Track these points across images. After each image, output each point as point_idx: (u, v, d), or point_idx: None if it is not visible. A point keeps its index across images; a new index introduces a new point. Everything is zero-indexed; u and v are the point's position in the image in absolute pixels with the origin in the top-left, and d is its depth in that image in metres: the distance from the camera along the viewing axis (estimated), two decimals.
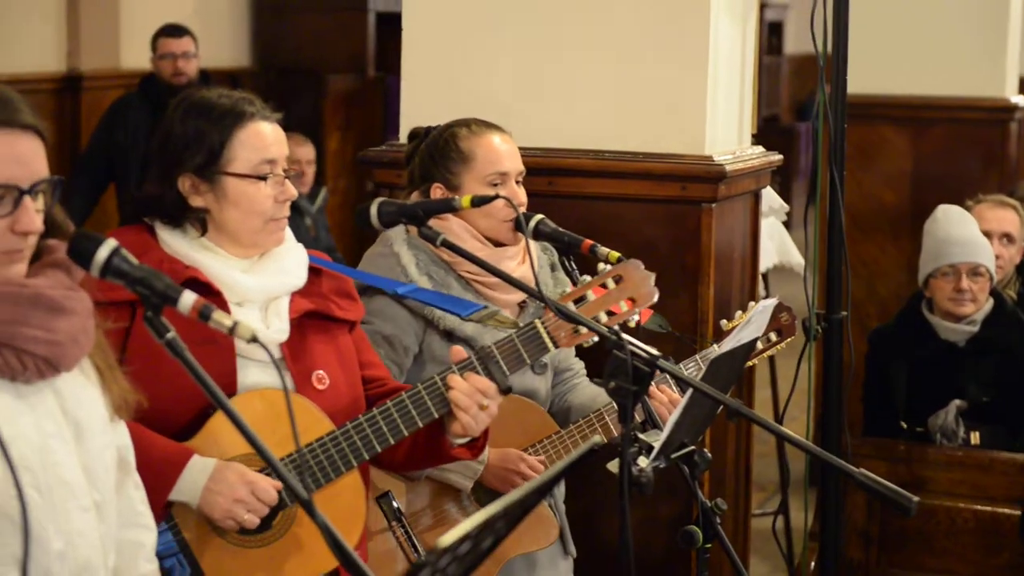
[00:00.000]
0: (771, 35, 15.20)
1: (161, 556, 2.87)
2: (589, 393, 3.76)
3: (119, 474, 2.47)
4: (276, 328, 2.98)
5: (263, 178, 2.98)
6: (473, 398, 3.00)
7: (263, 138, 3.00)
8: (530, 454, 3.59)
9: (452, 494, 3.56)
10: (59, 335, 2.27)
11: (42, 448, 2.28)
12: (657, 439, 2.99)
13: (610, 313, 3.11)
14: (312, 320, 3.05)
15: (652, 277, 3.14)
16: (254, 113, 3.00)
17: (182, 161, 2.98)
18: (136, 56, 8.45)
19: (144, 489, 2.55)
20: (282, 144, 3.03)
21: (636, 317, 3.16)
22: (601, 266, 3.20)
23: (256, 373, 2.96)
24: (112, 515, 2.42)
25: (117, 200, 7.64)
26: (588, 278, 3.16)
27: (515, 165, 3.61)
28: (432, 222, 3.28)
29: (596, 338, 3.14)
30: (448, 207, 3.27)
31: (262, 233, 3.00)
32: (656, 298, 3.14)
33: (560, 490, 3.78)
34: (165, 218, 3.01)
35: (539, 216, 3.50)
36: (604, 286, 3.14)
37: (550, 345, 3.09)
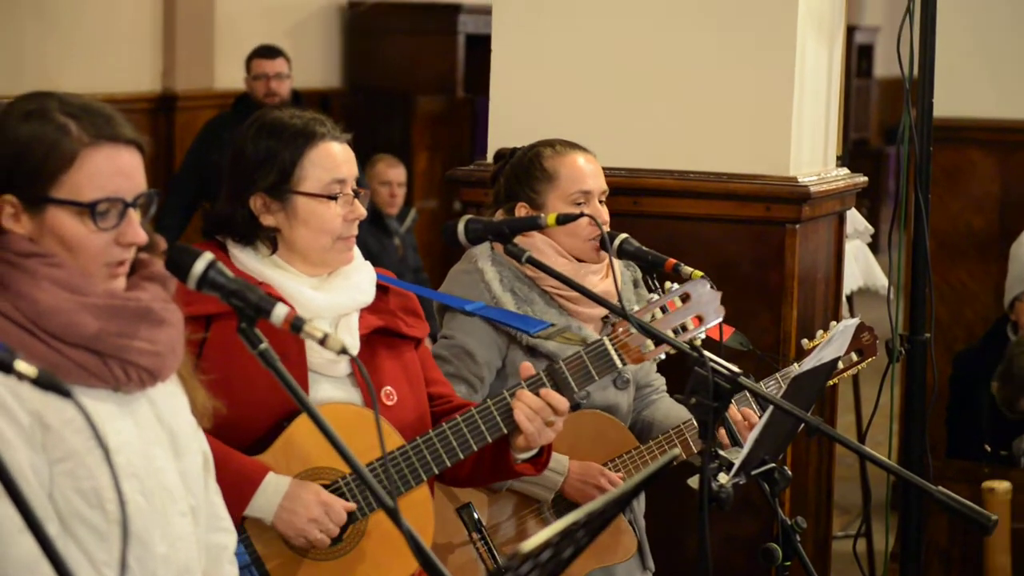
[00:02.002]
0: (861, 58, 15.12)
1: None
2: (668, 409, 3.79)
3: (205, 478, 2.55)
4: (347, 344, 3.02)
5: (333, 197, 3.02)
6: (541, 413, 3.03)
7: (333, 158, 3.03)
8: (610, 468, 3.62)
9: (532, 506, 3.60)
10: (160, 346, 2.34)
11: (145, 455, 2.35)
12: (737, 456, 3.01)
13: (682, 329, 3.15)
14: (380, 337, 3.09)
15: (719, 296, 3.17)
16: (324, 133, 3.03)
17: (254, 180, 3.02)
18: (230, 76, 8.58)
19: (222, 495, 2.62)
20: (351, 164, 3.06)
21: (702, 335, 3.18)
22: (668, 284, 3.23)
23: (328, 388, 3.01)
24: (203, 519, 2.50)
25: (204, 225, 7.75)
26: (655, 296, 3.19)
27: (598, 184, 3.66)
28: (517, 240, 3.33)
29: (663, 355, 3.18)
30: (534, 225, 3.32)
31: (331, 251, 3.04)
32: (722, 316, 3.17)
33: (640, 505, 3.80)
34: (237, 236, 3.05)
35: (623, 235, 3.54)
36: (672, 304, 3.17)
37: (618, 362, 3.12)
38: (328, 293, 3.04)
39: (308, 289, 3.03)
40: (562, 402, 3.05)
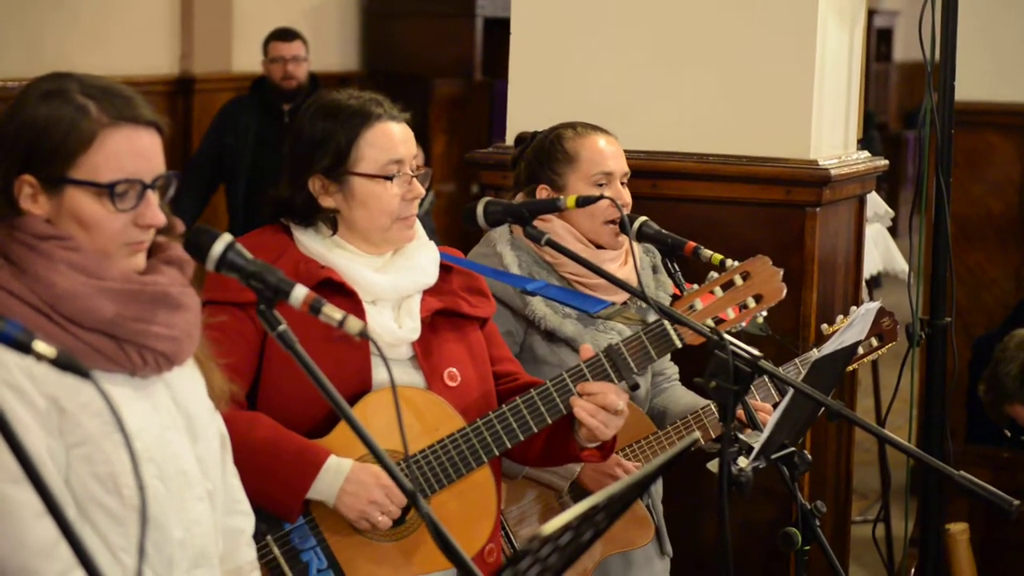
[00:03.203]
0: (880, 42, 15.07)
1: (298, 549, 2.94)
2: (681, 397, 3.78)
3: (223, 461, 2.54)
4: (408, 327, 3.02)
5: (389, 178, 3.02)
6: (596, 416, 3.03)
7: (390, 138, 3.03)
8: (627, 454, 3.61)
9: (548, 493, 3.59)
10: (177, 331, 2.34)
11: (162, 439, 2.35)
12: (757, 440, 3.00)
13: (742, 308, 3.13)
14: (443, 317, 3.09)
15: (780, 273, 3.15)
16: (381, 114, 3.04)
17: (312, 162, 3.03)
18: (247, 59, 8.58)
19: (239, 476, 2.61)
20: (409, 143, 3.06)
21: (764, 313, 3.16)
22: (729, 263, 3.21)
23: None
24: (220, 503, 2.49)
25: (226, 201, 7.76)
26: (715, 275, 3.17)
27: (620, 166, 3.64)
28: (535, 223, 3.32)
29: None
30: (553, 207, 3.31)
31: (391, 231, 3.04)
32: (784, 294, 3.15)
33: (657, 490, 3.80)
34: (297, 219, 3.06)
35: (643, 218, 3.53)
36: (732, 283, 3.15)
37: (677, 342, 3.11)
38: (390, 275, 3.05)
39: (370, 272, 3.03)
40: (615, 403, 3.03)
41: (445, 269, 3.14)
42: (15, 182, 2.28)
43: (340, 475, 2.90)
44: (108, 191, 2.27)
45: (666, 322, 3.11)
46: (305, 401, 2.92)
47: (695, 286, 3.18)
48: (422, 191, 3.07)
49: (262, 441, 2.71)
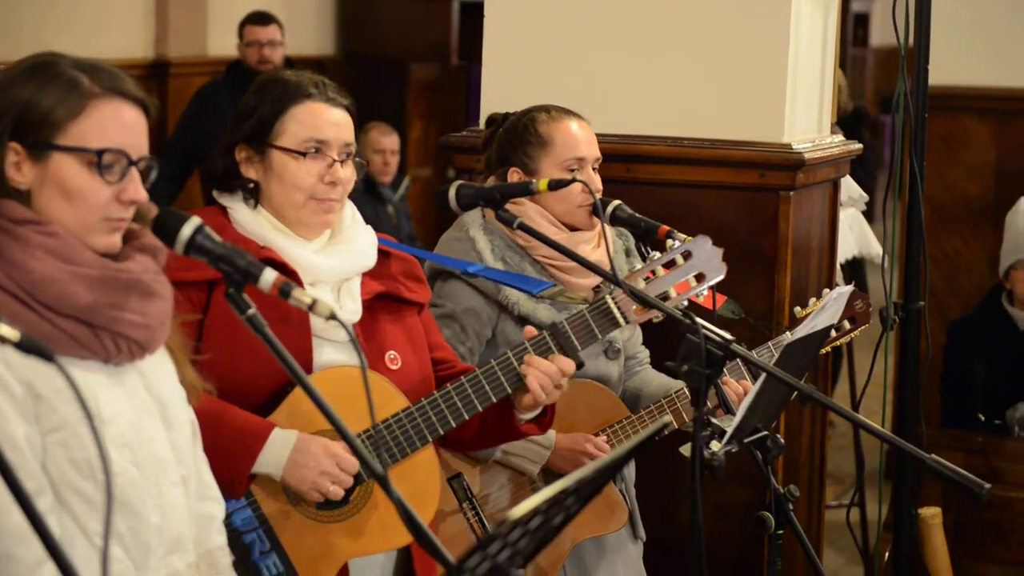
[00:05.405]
0: (857, 27, 15.08)
1: (240, 531, 2.91)
2: (652, 379, 3.78)
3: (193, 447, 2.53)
4: (349, 309, 3.01)
5: (304, 154, 3.00)
6: (553, 378, 3.03)
7: (316, 118, 3.02)
8: (602, 439, 3.61)
9: (522, 478, 3.59)
10: (150, 319, 2.33)
11: (136, 426, 2.34)
12: (730, 424, 3.00)
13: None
14: (383, 301, 3.09)
15: (720, 253, 3.16)
16: (315, 94, 3.03)
17: (240, 130, 3.04)
18: (223, 43, 8.54)
19: (208, 463, 2.60)
20: (341, 128, 3.03)
21: (704, 292, 3.17)
22: (669, 243, 3.22)
23: (331, 352, 3.00)
24: (193, 489, 2.48)
25: (201, 186, 7.74)
26: (657, 254, 3.18)
27: (592, 151, 3.64)
28: (508, 206, 3.31)
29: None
30: (525, 190, 3.30)
31: (304, 210, 3.02)
32: (724, 273, 3.16)
33: (631, 474, 3.80)
34: (219, 186, 3.06)
35: (616, 201, 3.53)
36: (673, 262, 3.16)
37: (621, 320, 3.12)
38: (330, 257, 3.03)
39: (310, 253, 3.02)
40: (570, 365, 3.05)
41: (383, 254, 3.13)
42: (1, 151, 2.27)
43: (287, 445, 2.88)
44: (96, 157, 2.27)
45: (608, 298, 3.12)
46: (244, 382, 2.90)
47: (637, 266, 3.19)
48: (341, 176, 3.02)
49: (205, 415, 2.70)
